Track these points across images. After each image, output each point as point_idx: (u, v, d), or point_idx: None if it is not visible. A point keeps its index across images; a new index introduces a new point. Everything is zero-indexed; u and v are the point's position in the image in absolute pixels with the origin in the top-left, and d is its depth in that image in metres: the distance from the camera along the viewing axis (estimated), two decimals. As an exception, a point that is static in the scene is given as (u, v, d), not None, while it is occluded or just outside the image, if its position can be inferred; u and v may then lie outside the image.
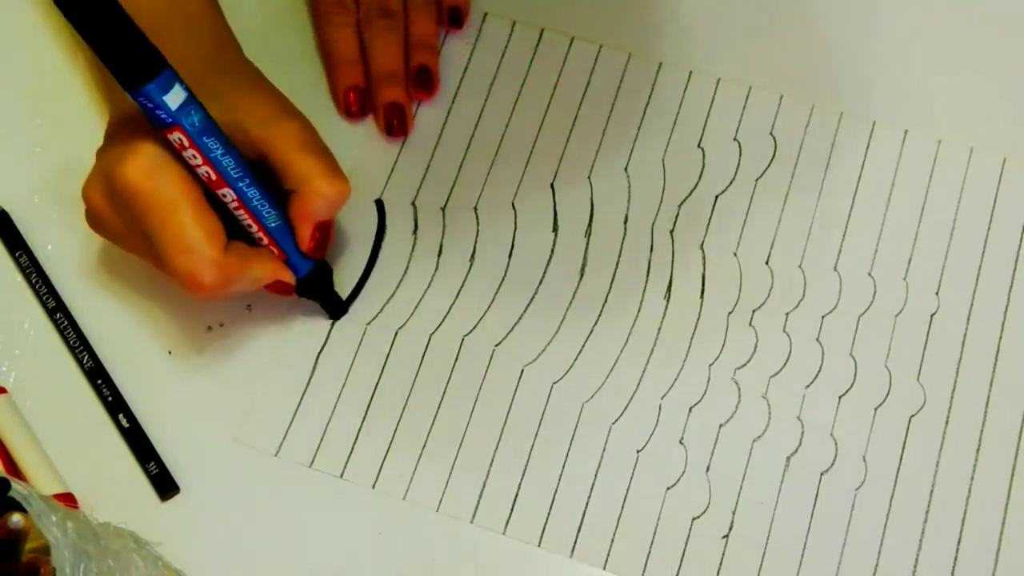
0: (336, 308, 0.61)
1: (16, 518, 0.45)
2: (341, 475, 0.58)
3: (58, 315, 0.61)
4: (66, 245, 0.63)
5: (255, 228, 0.56)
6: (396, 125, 0.64)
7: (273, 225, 0.56)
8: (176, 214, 0.53)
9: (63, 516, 0.46)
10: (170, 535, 0.53)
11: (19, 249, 0.62)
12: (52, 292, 0.61)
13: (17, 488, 0.46)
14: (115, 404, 0.59)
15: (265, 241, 0.56)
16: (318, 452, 0.59)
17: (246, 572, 0.57)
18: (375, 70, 0.65)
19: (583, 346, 0.60)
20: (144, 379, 0.60)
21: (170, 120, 0.51)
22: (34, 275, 0.62)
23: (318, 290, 0.60)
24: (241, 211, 0.55)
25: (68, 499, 0.57)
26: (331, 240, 0.58)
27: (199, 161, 0.53)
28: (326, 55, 0.66)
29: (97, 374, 0.60)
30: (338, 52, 0.65)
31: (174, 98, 0.51)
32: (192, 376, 0.60)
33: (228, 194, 0.54)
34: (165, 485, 0.58)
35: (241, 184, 0.54)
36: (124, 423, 0.59)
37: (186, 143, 0.52)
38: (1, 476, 0.46)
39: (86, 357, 0.60)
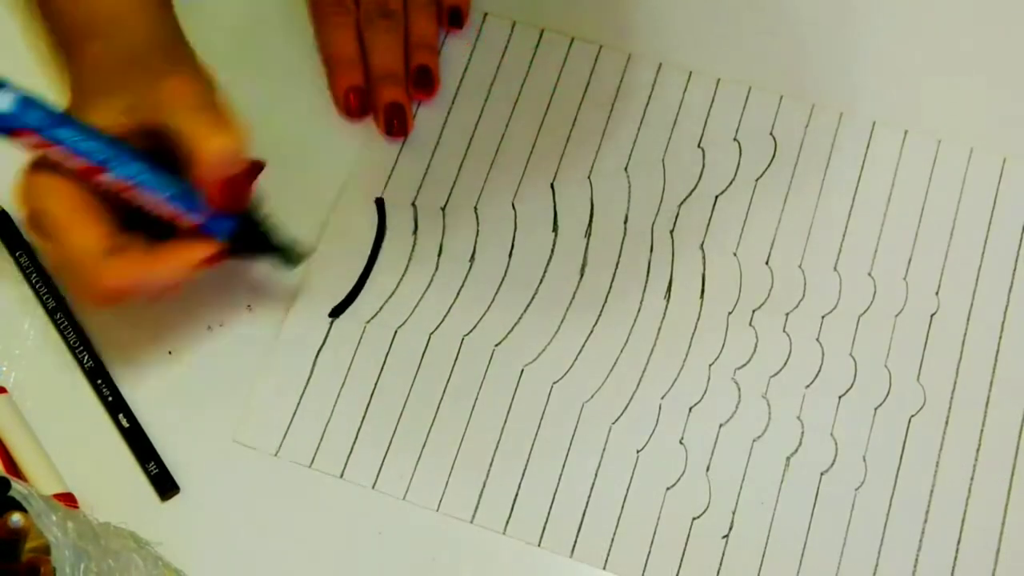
0: (285, 255, 0.57)
1: (16, 517, 0.45)
2: (341, 475, 0.58)
3: (58, 315, 0.61)
4: None
5: (153, 203, 0.53)
6: (396, 125, 0.64)
7: (168, 194, 0.53)
8: (61, 233, 0.52)
9: (63, 516, 0.46)
10: (170, 535, 0.53)
11: (19, 249, 0.62)
12: (52, 292, 0.61)
13: (17, 488, 0.46)
14: (115, 404, 0.59)
15: (180, 212, 0.54)
16: (318, 452, 0.59)
17: (246, 572, 0.57)
18: (375, 70, 0.65)
19: (583, 346, 0.60)
20: (144, 379, 0.60)
21: (6, 125, 0.50)
22: (34, 275, 0.62)
23: (257, 244, 0.57)
24: (131, 192, 0.53)
25: (68, 499, 0.57)
26: (251, 191, 0.55)
27: (62, 156, 0.51)
28: (326, 55, 0.66)
29: (97, 374, 0.60)
30: (338, 52, 0.65)
31: (3, 100, 0.50)
32: (192, 376, 0.60)
33: (107, 179, 0.52)
34: (165, 485, 0.58)
35: (115, 163, 0.52)
36: (124, 423, 0.59)
37: (36, 141, 0.51)
38: (1, 476, 0.46)
39: (86, 357, 0.60)
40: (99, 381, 0.60)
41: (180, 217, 0.54)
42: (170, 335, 0.61)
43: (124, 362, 0.60)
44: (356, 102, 0.65)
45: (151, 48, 0.56)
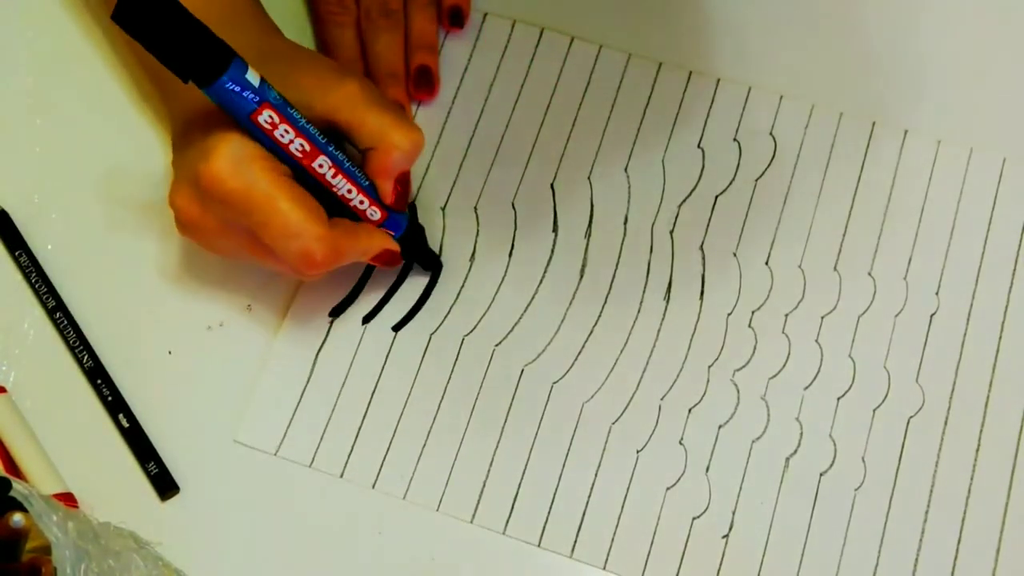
0: (435, 262, 0.62)
1: (17, 517, 0.46)
2: (341, 475, 0.58)
3: (58, 315, 0.61)
4: (66, 245, 0.63)
5: (354, 191, 0.56)
6: None
7: (367, 184, 0.56)
8: (275, 203, 0.53)
9: (64, 516, 0.46)
10: (170, 535, 0.53)
11: (19, 249, 0.62)
12: (52, 292, 0.61)
13: (18, 488, 0.46)
14: (115, 404, 0.59)
15: (366, 203, 0.57)
16: (318, 451, 0.59)
17: (246, 572, 0.57)
18: (375, 70, 0.65)
19: (583, 346, 0.60)
20: (144, 379, 0.60)
21: (257, 99, 0.52)
22: (34, 275, 0.62)
23: (416, 249, 0.60)
24: (339, 176, 0.55)
25: (68, 499, 0.57)
26: (411, 193, 0.59)
27: (291, 136, 0.53)
28: (326, 54, 0.66)
29: (97, 374, 0.60)
30: (338, 52, 0.65)
31: (253, 77, 0.52)
32: (192, 376, 0.60)
33: (324, 162, 0.54)
34: (165, 485, 0.58)
35: (331, 148, 0.55)
36: (124, 423, 0.59)
37: (276, 119, 0.52)
38: (2, 476, 0.46)
39: (86, 357, 0.60)
40: (99, 381, 0.60)
41: (368, 209, 0.57)
42: (170, 335, 0.61)
43: (124, 362, 0.60)
44: None
45: (279, 43, 0.59)
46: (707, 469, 0.58)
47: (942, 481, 0.58)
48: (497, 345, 0.61)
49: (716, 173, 0.64)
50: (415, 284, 0.62)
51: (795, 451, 0.59)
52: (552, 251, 0.63)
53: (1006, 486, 0.58)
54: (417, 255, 0.61)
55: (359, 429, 0.59)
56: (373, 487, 0.58)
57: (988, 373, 0.60)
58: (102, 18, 0.66)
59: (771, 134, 0.65)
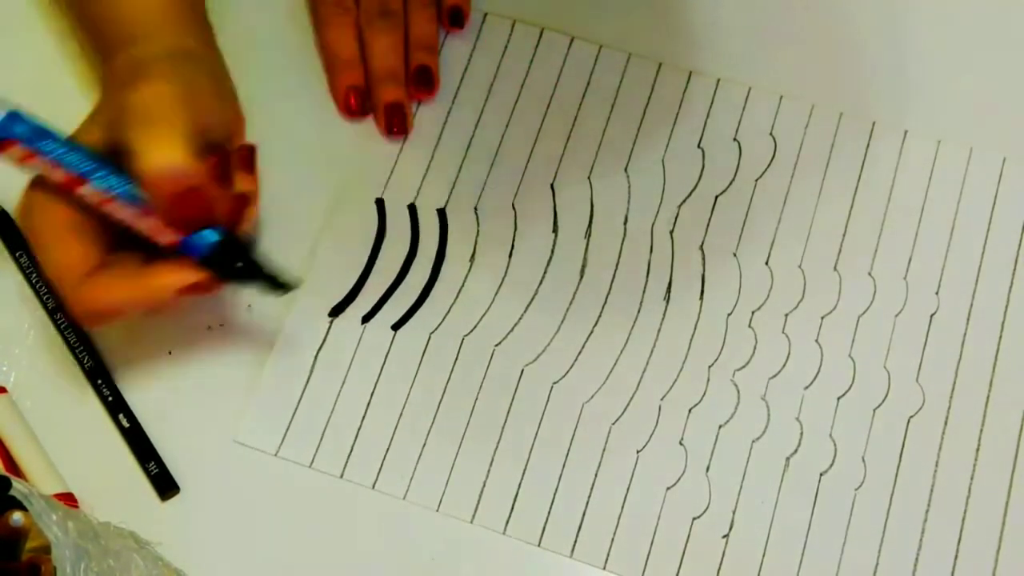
0: (270, 282, 0.55)
1: (17, 516, 0.46)
2: (341, 475, 0.58)
3: (58, 315, 0.61)
4: None
5: (131, 217, 0.52)
6: (396, 125, 0.64)
7: (144, 208, 0.52)
8: (42, 253, 0.53)
9: (64, 515, 0.46)
10: (170, 535, 0.53)
11: (19, 249, 0.62)
12: (52, 292, 0.61)
13: (18, 487, 0.46)
14: (115, 404, 0.59)
15: (152, 226, 0.53)
16: (318, 452, 0.59)
17: (246, 572, 0.57)
18: (375, 70, 0.65)
19: (583, 347, 0.60)
20: (144, 379, 0.60)
21: None
22: (34, 275, 0.62)
23: (241, 269, 0.54)
24: (111, 204, 0.52)
25: (68, 498, 0.57)
26: (211, 207, 0.53)
27: (40, 168, 0.52)
28: (326, 55, 0.66)
29: (97, 374, 0.60)
30: (338, 52, 0.65)
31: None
32: (192, 376, 0.60)
33: (88, 190, 0.52)
34: (165, 485, 0.58)
35: (96, 176, 0.52)
36: (124, 423, 0.59)
37: (20, 154, 0.51)
38: (2, 475, 0.46)
39: (86, 357, 0.60)
40: (99, 381, 0.60)
41: (157, 233, 0.53)
42: (170, 335, 0.61)
43: (124, 362, 0.60)
44: (356, 102, 0.65)
45: (164, 57, 0.55)
46: (707, 469, 0.58)
47: (942, 481, 0.58)
48: (497, 345, 0.61)
49: (716, 173, 0.64)
50: (415, 283, 0.62)
51: (795, 451, 0.59)
52: (552, 251, 0.63)
53: (1006, 485, 0.58)
54: (247, 277, 0.54)
55: (359, 429, 0.59)
56: (373, 487, 0.58)
57: (988, 373, 0.60)
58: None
59: (771, 134, 0.65)
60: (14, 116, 0.51)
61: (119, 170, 0.52)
